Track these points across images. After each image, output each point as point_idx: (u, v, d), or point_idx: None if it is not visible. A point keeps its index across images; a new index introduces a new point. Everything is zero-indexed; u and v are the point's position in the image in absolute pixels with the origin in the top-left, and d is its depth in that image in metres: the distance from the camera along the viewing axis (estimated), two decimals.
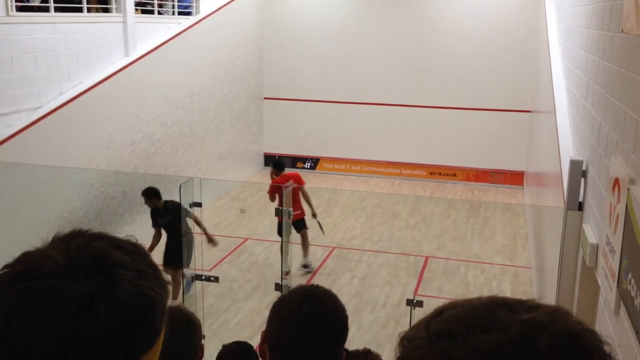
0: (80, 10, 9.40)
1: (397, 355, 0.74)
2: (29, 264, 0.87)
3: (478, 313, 0.72)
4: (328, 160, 15.61)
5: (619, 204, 3.51)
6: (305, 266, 9.38)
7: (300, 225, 9.21)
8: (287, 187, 8.57)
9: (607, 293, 3.69)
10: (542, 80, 10.96)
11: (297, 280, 8.66)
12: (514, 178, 14.53)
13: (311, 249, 9.50)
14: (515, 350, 0.66)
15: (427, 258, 10.17)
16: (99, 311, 0.83)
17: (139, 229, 10.31)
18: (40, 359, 0.81)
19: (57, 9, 9.02)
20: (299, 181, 9.29)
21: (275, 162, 9.71)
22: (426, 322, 0.74)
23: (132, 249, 0.94)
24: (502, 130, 14.36)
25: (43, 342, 0.81)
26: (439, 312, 0.75)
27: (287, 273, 7.54)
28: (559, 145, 6.62)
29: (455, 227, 11.75)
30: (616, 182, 3.64)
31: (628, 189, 3.30)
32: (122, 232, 9.93)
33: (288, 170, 10.08)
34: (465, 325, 0.70)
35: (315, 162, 15.61)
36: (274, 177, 9.36)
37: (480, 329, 0.69)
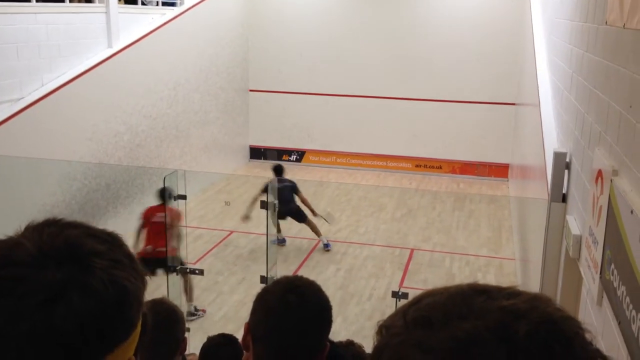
0: (62, 0, 9.27)
1: (375, 343, 0.73)
2: (0, 252, 0.84)
3: (456, 300, 0.70)
4: (314, 153, 15.59)
5: (602, 196, 3.53)
6: (193, 313, 7.81)
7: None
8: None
9: (590, 284, 3.72)
10: (526, 73, 11.01)
11: (282, 272, 8.65)
12: (499, 170, 14.61)
13: (296, 241, 9.51)
14: (493, 337, 0.65)
15: (412, 250, 10.20)
16: (72, 300, 0.80)
17: (123, 222, 10.22)
18: (10, 348, 0.79)
19: None
20: (178, 216, 7.52)
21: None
22: (404, 310, 0.72)
23: (107, 238, 0.92)
24: (487, 123, 14.42)
25: (13, 330, 0.78)
26: (417, 300, 0.74)
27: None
28: (543, 138, 6.65)
29: (441, 220, 11.80)
30: (599, 173, 3.66)
31: (611, 181, 3.32)
32: (105, 225, 9.82)
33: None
34: (442, 313, 0.69)
35: (301, 154, 15.58)
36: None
37: (458, 316, 0.68)
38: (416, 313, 0.70)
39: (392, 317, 0.73)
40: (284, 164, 11.83)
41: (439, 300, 0.71)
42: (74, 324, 0.80)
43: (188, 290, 7.76)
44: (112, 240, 0.92)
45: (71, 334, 0.80)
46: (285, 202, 9.43)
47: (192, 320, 7.55)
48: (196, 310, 7.90)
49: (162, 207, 7.49)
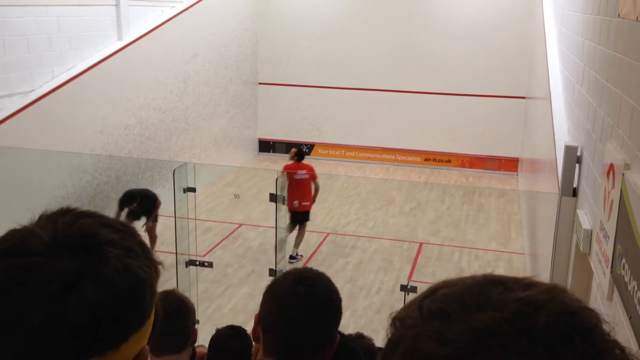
0: None
1: (389, 335, 0.72)
2: (14, 242, 0.85)
3: (472, 291, 0.69)
4: (323, 146, 15.58)
5: (613, 190, 3.51)
6: (292, 257, 9.16)
7: (304, 217, 9.23)
8: (299, 175, 8.99)
9: (601, 278, 3.70)
10: (537, 66, 10.93)
11: (291, 265, 8.67)
12: (509, 164, 14.55)
13: (306, 234, 9.50)
14: (512, 328, 0.64)
15: (421, 244, 10.19)
16: (86, 289, 0.81)
17: None
18: (25, 338, 0.79)
19: None
20: (311, 173, 9.14)
21: (298, 151, 9.40)
22: (419, 301, 0.71)
23: (121, 227, 0.92)
24: (497, 117, 14.35)
25: (28, 320, 0.79)
26: (432, 291, 0.73)
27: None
28: (553, 131, 6.61)
29: (450, 213, 11.77)
30: (611, 167, 3.64)
31: (623, 175, 3.30)
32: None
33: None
34: (459, 304, 0.68)
35: (310, 148, 15.58)
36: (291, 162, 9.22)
37: (475, 308, 0.67)
38: (432, 304, 0.69)
39: (406, 309, 0.73)
40: None
41: (455, 292, 0.70)
42: (88, 313, 0.80)
43: (300, 238, 9.24)
44: (126, 230, 0.92)
45: (85, 324, 0.80)
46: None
47: (292, 262, 8.93)
48: (297, 255, 9.26)
49: (300, 164, 9.06)
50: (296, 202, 8.97)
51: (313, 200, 9.23)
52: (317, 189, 9.19)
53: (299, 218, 9.16)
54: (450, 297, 0.69)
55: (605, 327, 0.68)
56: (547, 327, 0.64)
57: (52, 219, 0.88)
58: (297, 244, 9.32)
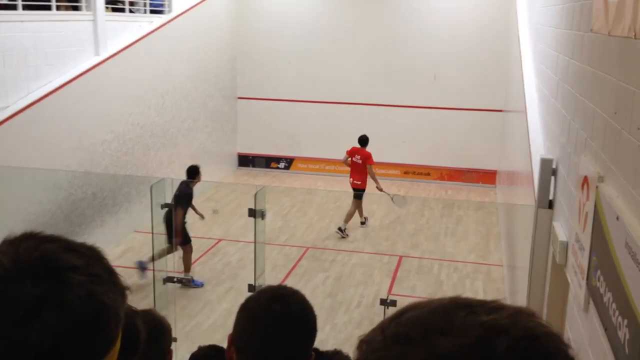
0: (49, 8, 9.22)
1: (356, 358, 0.72)
2: None
3: (437, 315, 0.69)
4: (302, 160, 15.58)
5: (588, 202, 3.55)
6: (339, 230, 10.88)
7: (357, 193, 10.95)
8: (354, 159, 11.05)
9: (577, 290, 3.73)
10: (513, 80, 11.08)
11: (270, 280, 8.62)
12: (487, 177, 14.67)
13: (285, 249, 9.46)
14: (473, 353, 0.64)
15: (400, 257, 10.20)
16: (48, 316, 0.79)
17: (110, 231, 10.17)
18: None
19: (25, 7, 8.84)
20: (367, 159, 11.06)
21: (361, 137, 11.32)
22: (384, 325, 0.71)
23: (87, 252, 0.90)
24: (475, 130, 14.49)
25: None
26: (399, 315, 0.72)
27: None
28: (529, 144, 6.69)
29: (429, 226, 11.82)
30: (585, 180, 3.68)
31: (597, 187, 3.34)
32: (92, 234, 9.78)
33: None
34: (422, 328, 0.67)
35: (289, 162, 15.57)
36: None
37: (438, 332, 0.66)
38: (396, 328, 0.69)
39: (372, 332, 0.72)
40: (272, 171, 11.85)
41: (420, 315, 0.70)
42: (51, 340, 0.78)
43: (351, 213, 10.96)
44: (92, 254, 0.90)
45: (48, 350, 0.78)
46: None
47: (338, 233, 10.85)
48: (344, 229, 10.90)
49: (359, 149, 11.07)
50: (350, 179, 11.20)
51: (375, 181, 11.01)
52: (371, 175, 11.05)
53: (354, 194, 11.04)
54: (415, 321, 0.69)
55: (570, 352, 0.68)
56: (507, 352, 0.63)
57: (15, 244, 0.86)
58: (346, 219, 10.94)
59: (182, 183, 8.80)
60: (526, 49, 9.37)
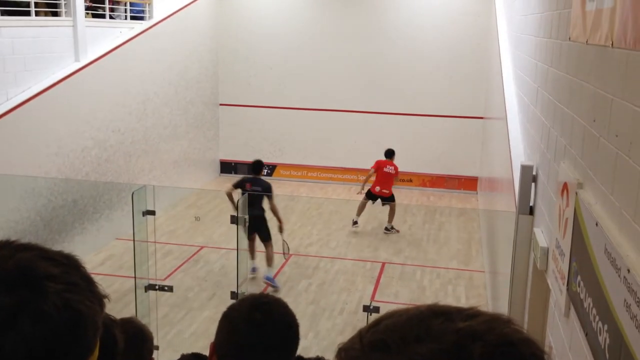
0: (28, 13, 9.14)
1: None
2: None
3: (413, 322, 0.69)
4: (285, 167, 15.57)
5: (567, 208, 3.58)
6: (387, 229, 11.66)
7: (389, 199, 11.71)
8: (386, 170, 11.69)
9: (558, 295, 3.76)
10: (494, 87, 11.18)
11: (252, 288, 8.59)
12: (468, 183, 14.77)
13: (269, 255, 9.40)
14: (449, 359, 0.64)
15: (383, 264, 10.21)
16: (24, 325, 0.77)
17: (91, 238, 10.06)
18: None
19: (3, 12, 8.75)
20: (397, 170, 11.90)
21: (388, 150, 12.09)
22: (362, 333, 0.72)
23: (63, 260, 0.89)
24: (456, 136, 14.59)
25: None
26: (376, 322, 0.73)
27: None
28: (510, 151, 6.74)
29: (412, 233, 11.86)
30: (565, 186, 3.71)
31: (576, 193, 3.37)
32: (72, 242, 9.68)
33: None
34: (399, 336, 0.68)
35: (272, 169, 15.54)
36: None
37: (415, 339, 0.67)
38: (373, 336, 0.69)
39: (351, 340, 0.72)
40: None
41: (397, 323, 0.70)
42: (26, 349, 0.77)
43: (392, 214, 11.78)
44: (68, 263, 0.89)
45: None
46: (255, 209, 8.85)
47: (387, 233, 11.72)
48: (392, 228, 11.72)
49: (389, 162, 11.84)
50: (378, 188, 11.67)
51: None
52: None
53: (384, 200, 11.73)
54: (392, 329, 0.69)
55: (547, 358, 0.68)
56: (483, 358, 0.64)
57: None
58: (389, 220, 11.72)
59: (258, 179, 9.15)
60: (506, 56, 9.47)
